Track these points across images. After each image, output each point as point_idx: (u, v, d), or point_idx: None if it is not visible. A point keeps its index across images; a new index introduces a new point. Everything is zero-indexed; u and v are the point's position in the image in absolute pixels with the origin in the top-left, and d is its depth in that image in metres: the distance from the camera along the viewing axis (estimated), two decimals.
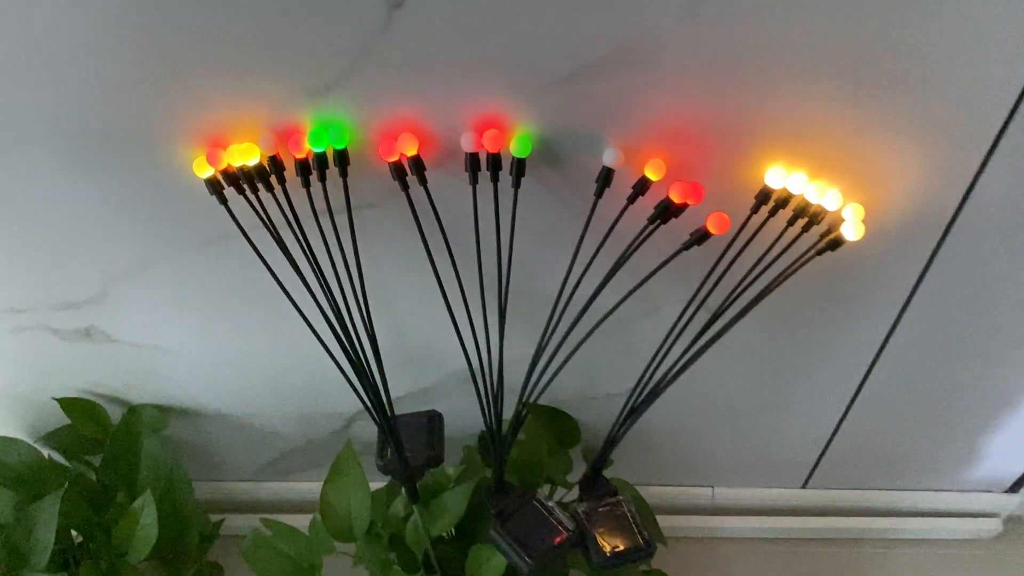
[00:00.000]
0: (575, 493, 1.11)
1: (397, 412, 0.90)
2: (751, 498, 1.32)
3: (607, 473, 1.01)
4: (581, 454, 1.18)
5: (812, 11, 0.67)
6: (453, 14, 0.67)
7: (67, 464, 1.13)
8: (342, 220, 0.80)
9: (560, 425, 1.15)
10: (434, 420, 0.98)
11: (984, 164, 0.78)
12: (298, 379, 1.09)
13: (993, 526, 1.32)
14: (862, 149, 0.78)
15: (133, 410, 1.13)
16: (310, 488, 1.28)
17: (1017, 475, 1.28)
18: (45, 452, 1.07)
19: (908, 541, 1.33)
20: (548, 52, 0.70)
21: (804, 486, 1.30)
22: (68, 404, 1.12)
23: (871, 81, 0.73)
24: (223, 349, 1.04)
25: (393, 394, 0.99)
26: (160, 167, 0.80)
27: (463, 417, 1.09)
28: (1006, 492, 1.31)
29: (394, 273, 0.92)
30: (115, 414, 1.14)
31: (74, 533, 1.06)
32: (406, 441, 0.94)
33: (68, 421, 1.12)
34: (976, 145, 0.77)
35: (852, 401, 1.12)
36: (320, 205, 0.79)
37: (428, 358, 1.05)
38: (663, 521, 1.31)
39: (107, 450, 1.10)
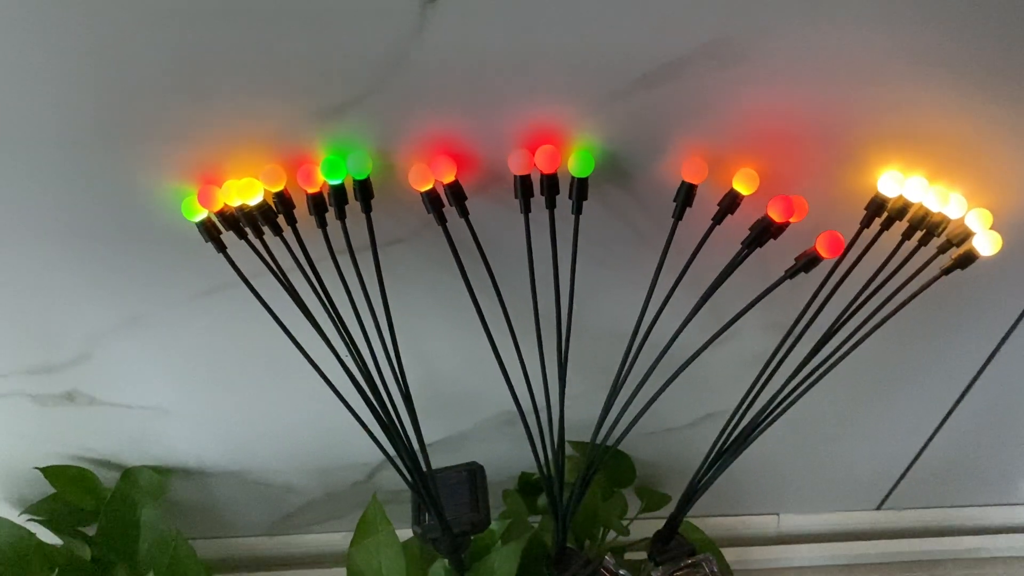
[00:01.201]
0: (630, 534, 0.99)
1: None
2: (820, 523, 1.19)
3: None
4: (635, 493, 1.05)
5: None
6: (503, 6, 0.53)
7: (58, 540, 0.99)
8: (362, 259, 0.66)
9: (614, 465, 1.02)
10: (476, 475, 0.85)
11: None
12: (313, 432, 0.96)
13: None
14: (991, 144, 0.64)
15: (128, 475, 0.99)
16: (331, 540, 1.16)
17: None
18: (33, 527, 0.94)
19: (998, 560, 1.20)
20: (623, 49, 0.56)
21: (879, 507, 1.18)
22: (53, 473, 0.98)
23: (1004, 62, 0.59)
24: (226, 405, 0.91)
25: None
26: (144, 208, 0.66)
27: (501, 460, 0.96)
28: None
29: (423, 314, 0.79)
30: (110, 479, 1.00)
31: None
32: (446, 503, 0.81)
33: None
34: None
35: (942, 423, 0.99)
36: (338, 244, 0.65)
37: (462, 403, 0.92)
38: (729, 554, 1.19)
39: (102, 522, 0.96)
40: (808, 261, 0.62)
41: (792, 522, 1.19)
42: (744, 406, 0.72)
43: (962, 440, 1.03)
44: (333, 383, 0.68)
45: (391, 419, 0.70)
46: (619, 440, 0.73)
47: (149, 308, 0.77)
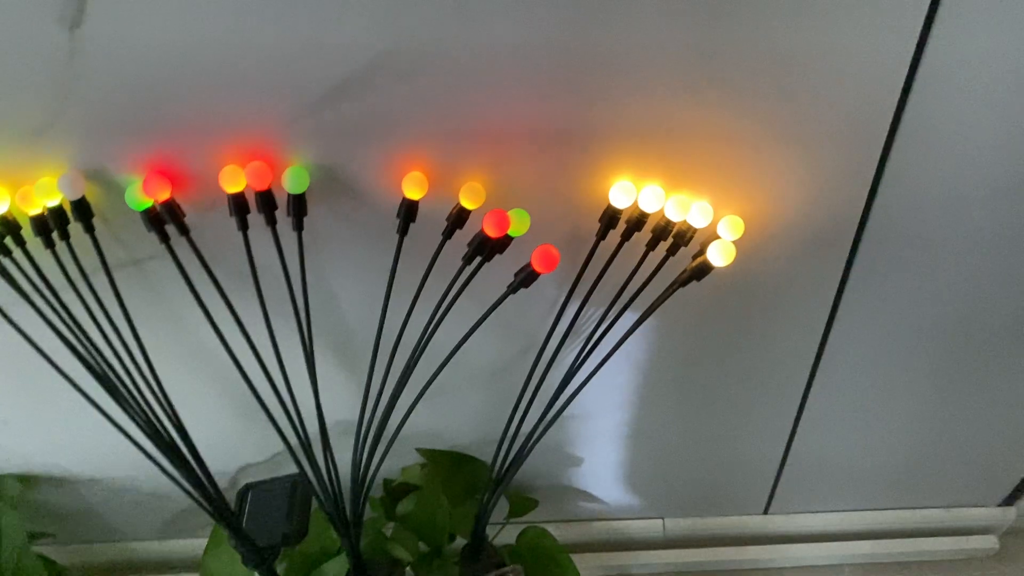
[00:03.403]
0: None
1: (276, 469, 0.82)
2: (707, 527, 1.16)
3: (533, 515, 0.96)
4: (505, 497, 1.04)
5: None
6: (154, 30, 0.52)
7: None
8: (120, 276, 0.66)
9: (466, 470, 1.01)
10: (297, 488, 0.85)
11: (883, 162, 0.63)
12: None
13: (988, 543, 1.15)
14: (731, 154, 0.62)
15: None
16: None
17: (1012, 486, 1.11)
18: None
19: (894, 565, 1.17)
20: (299, 67, 0.55)
21: (766, 512, 1.15)
22: None
23: (728, 81, 0.58)
24: (60, 416, 0.91)
25: (269, 452, 0.91)
26: None
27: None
28: (1000, 506, 1.14)
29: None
30: None
31: None
32: (262, 513, 0.82)
33: None
34: (870, 143, 0.63)
35: (796, 421, 0.96)
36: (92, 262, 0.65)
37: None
38: (613, 559, 1.17)
39: None
40: (526, 276, 0.61)
41: (679, 526, 1.16)
42: (512, 430, 0.71)
43: (826, 444, 1.00)
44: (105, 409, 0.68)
45: (162, 439, 0.70)
46: (387, 450, 0.72)
47: None
